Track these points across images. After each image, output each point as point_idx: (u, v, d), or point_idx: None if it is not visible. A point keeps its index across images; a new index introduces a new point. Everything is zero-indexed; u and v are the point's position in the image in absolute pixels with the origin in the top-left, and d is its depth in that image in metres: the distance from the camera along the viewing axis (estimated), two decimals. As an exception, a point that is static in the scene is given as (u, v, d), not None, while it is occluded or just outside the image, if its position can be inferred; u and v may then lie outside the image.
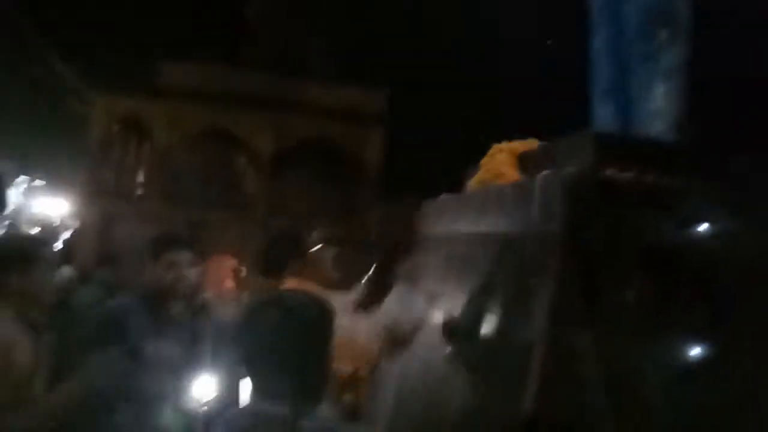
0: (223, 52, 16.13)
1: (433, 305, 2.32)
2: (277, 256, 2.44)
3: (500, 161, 2.28)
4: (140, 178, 17.82)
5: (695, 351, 1.61)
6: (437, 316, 2.20)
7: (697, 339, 1.61)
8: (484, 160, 2.44)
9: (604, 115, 2.44)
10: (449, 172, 2.92)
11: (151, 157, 16.64)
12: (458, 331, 1.99)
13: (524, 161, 2.22)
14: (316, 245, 2.54)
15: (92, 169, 16.00)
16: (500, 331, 1.72)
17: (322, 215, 12.59)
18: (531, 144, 2.35)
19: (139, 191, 17.21)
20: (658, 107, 2.27)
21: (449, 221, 2.52)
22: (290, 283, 2.35)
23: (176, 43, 16.10)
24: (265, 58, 15.94)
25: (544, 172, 1.72)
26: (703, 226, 1.67)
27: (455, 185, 2.79)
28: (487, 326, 1.79)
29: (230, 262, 3.40)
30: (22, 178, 19.65)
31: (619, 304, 1.57)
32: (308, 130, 15.72)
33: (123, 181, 17.30)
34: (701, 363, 1.58)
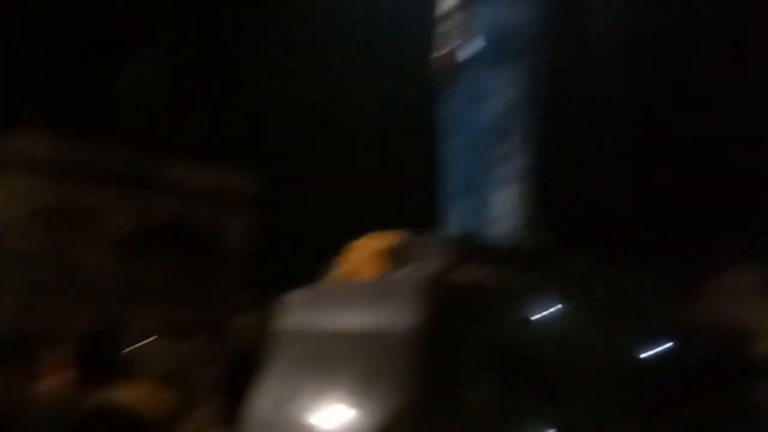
0: (83, 124, 15.23)
1: (289, 402, 2.21)
2: (95, 355, 2.17)
3: (359, 257, 2.29)
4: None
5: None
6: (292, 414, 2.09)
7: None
8: (343, 255, 2.44)
9: (458, 215, 2.58)
10: (316, 260, 2.89)
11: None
12: None
13: (383, 258, 2.25)
14: (148, 338, 2.32)
15: None
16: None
17: (179, 301, 11.88)
18: (390, 239, 2.39)
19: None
20: (506, 209, 2.43)
21: (309, 316, 2.46)
22: (113, 384, 2.10)
23: (27, 111, 14.96)
24: (129, 134, 15.31)
25: (402, 272, 1.74)
26: (549, 324, 1.77)
27: (318, 277, 2.76)
28: (343, 419, 1.72)
29: (66, 357, 3.01)
30: None
31: (470, 400, 1.58)
32: (171, 211, 15.07)
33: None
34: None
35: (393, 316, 1.70)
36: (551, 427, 1.68)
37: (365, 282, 2.07)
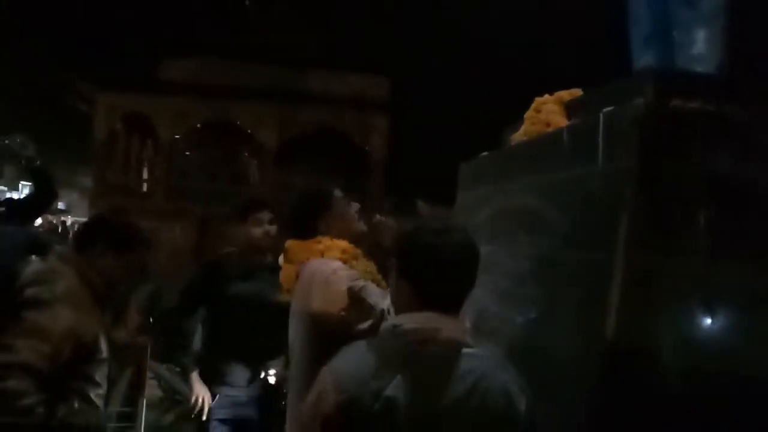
0: (223, 44, 16.05)
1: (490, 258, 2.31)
2: (305, 213, 2.45)
3: (548, 110, 2.27)
4: (145, 174, 17.83)
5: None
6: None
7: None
8: (527, 114, 2.43)
9: (646, 62, 2.44)
10: (456, 160, 2.94)
11: (155, 153, 16.64)
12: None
13: (574, 108, 2.22)
14: (341, 201, 2.55)
15: (98, 167, 16.02)
16: (575, 265, 1.73)
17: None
18: (575, 93, 2.34)
19: (145, 187, 17.21)
20: (700, 52, 2.26)
21: (496, 176, 2.52)
22: (322, 240, 2.35)
23: (176, 38, 16.04)
24: (266, 49, 15.88)
25: (608, 109, 1.71)
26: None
27: (494, 145, 2.79)
28: (562, 261, 1.80)
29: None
30: (27, 179, 19.72)
31: (693, 231, 1.57)
32: (311, 121, 15.67)
33: (129, 177, 17.31)
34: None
35: (605, 154, 1.70)
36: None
37: (561, 129, 2.06)
